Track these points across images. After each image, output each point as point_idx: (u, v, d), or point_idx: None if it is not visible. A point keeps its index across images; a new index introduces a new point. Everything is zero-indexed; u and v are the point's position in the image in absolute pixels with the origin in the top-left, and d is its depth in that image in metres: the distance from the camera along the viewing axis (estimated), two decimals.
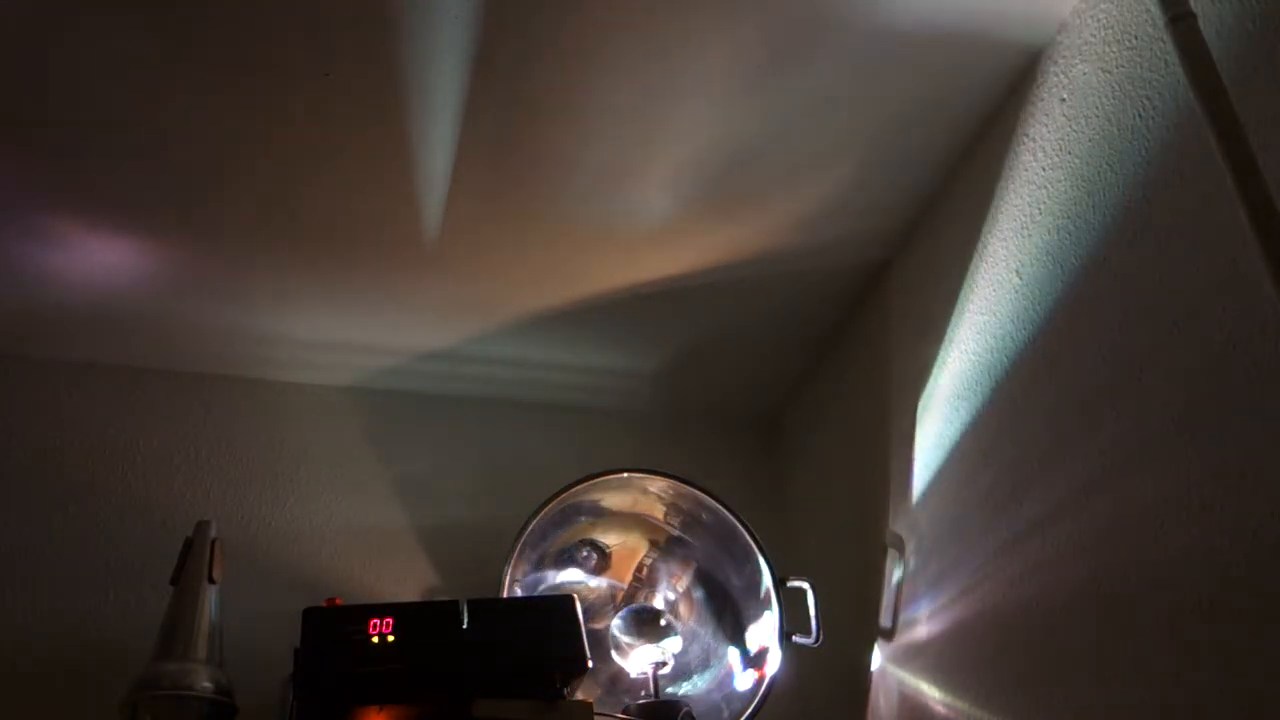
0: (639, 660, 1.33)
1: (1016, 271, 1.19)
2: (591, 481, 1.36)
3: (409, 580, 1.50)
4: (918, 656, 1.27)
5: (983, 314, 1.24)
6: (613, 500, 1.41)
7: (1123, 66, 1.05)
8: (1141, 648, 0.93)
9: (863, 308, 1.54)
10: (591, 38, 1.12)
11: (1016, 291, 1.18)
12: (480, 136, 1.23)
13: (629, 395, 1.73)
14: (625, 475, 1.38)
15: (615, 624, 1.32)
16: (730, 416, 1.80)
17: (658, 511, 1.43)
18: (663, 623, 1.31)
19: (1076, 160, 1.11)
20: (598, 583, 1.41)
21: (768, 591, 1.33)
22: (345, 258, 1.39)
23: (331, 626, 1.07)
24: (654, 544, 1.43)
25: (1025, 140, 1.19)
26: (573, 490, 1.35)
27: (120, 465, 1.47)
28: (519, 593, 1.31)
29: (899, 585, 1.34)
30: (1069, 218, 1.11)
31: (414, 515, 1.55)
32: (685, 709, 1.26)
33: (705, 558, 1.42)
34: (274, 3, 1.06)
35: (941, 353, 1.32)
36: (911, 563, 1.32)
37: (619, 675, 1.35)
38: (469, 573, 1.45)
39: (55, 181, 1.24)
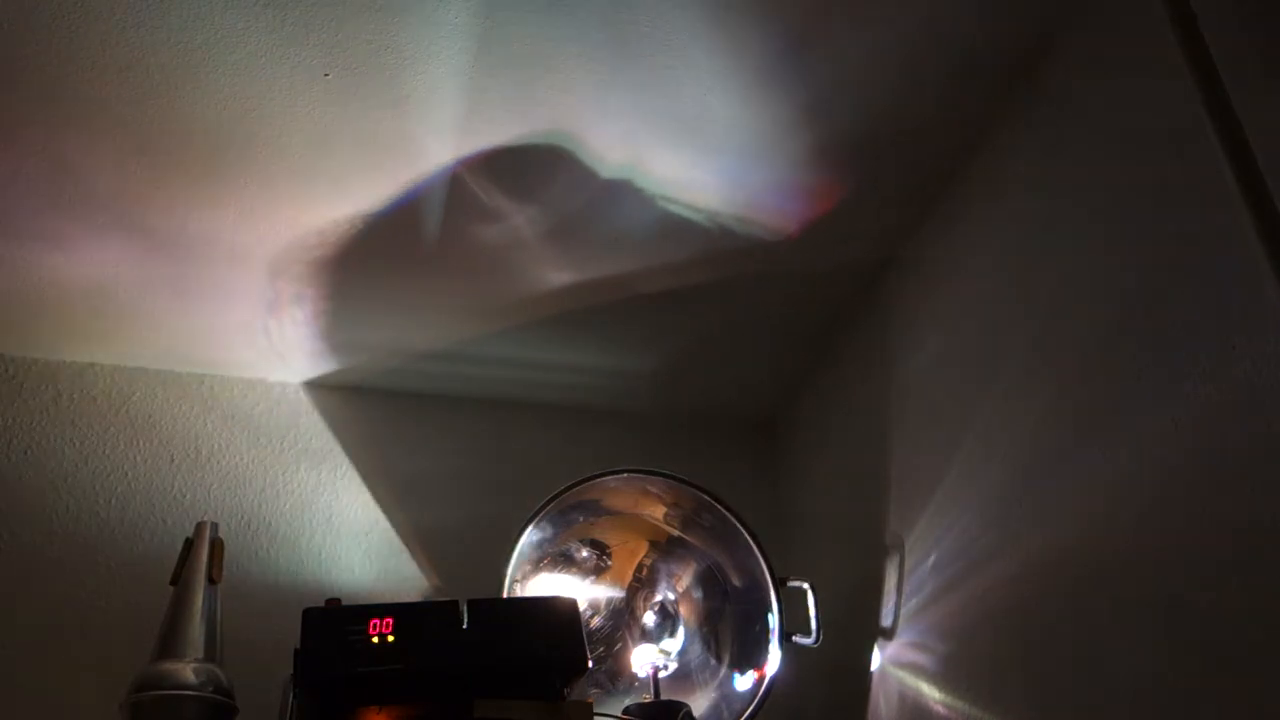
0: (639, 660, 1.33)
1: (1016, 271, 1.19)
2: (591, 481, 1.35)
3: (409, 580, 1.50)
4: (918, 656, 1.27)
5: (982, 313, 1.24)
6: (613, 500, 1.41)
7: (1123, 66, 1.05)
8: (1143, 647, 0.93)
9: (863, 308, 1.54)
10: (589, 36, 1.12)
11: (1016, 291, 1.18)
12: (479, 136, 1.23)
13: (629, 395, 1.73)
14: (625, 475, 1.37)
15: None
16: (730, 416, 1.80)
17: (658, 511, 1.43)
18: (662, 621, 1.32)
19: (1076, 160, 1.11)
20: (597, 583, 1.41)
21: (768, 591, 1.33)
22: (344, 257, 1.39)
23: (331, 626, 1.06)
24: (654, 544, 1.43)
25: (1025, 140, 1.19)
26: (573, 490, 1.35)
27: (120, 465, 1.47)
28: (519, 593, 1.31)
29: (899, 585, 1.34)
30: (1068, 218, 1.11)
31: (414, 515, 1.55)
32: (685, 709, 1.26)
33: (705, 558, 1.42)
34: (275, 4, 1.06)
35: (941, 352, 1.32)
36: (911, 563, 1.32)
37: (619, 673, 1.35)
38: (469, 573, 1.45)
39: (56, 182, 1.24)
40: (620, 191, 1.31)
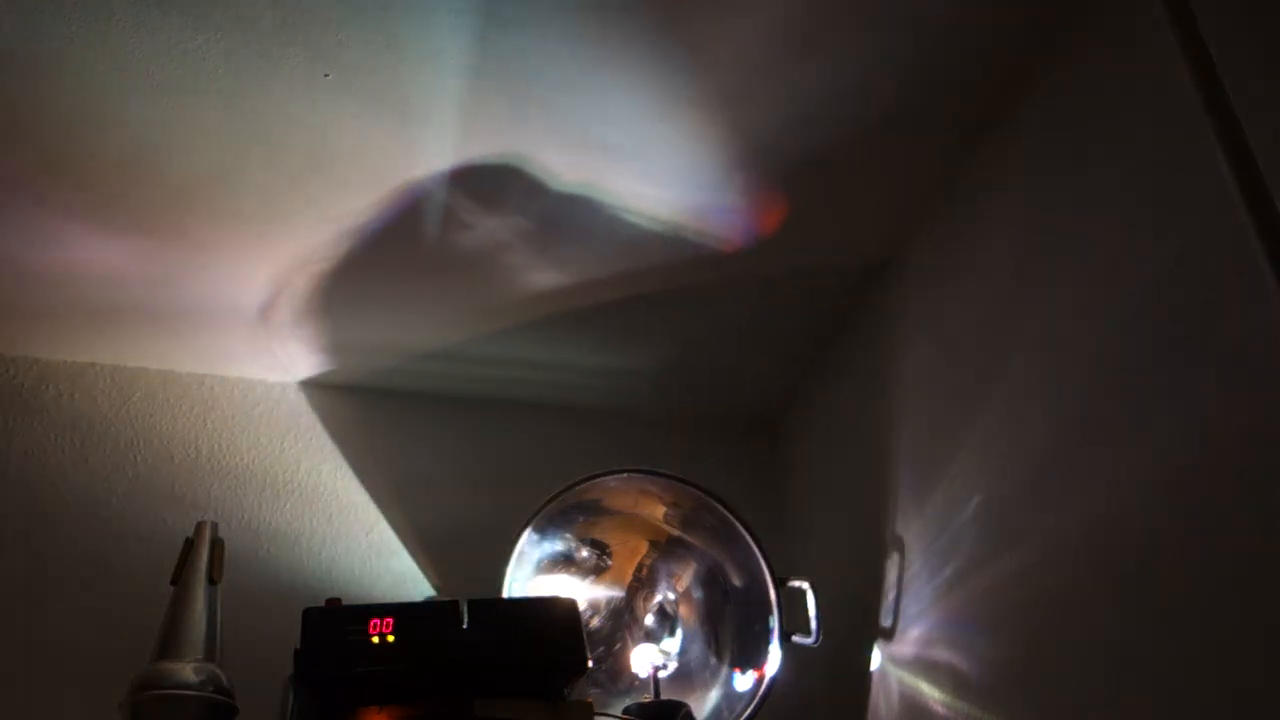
0: (639, 660, 1.33)
1: (1016, 272, 1.19)
2: (591, 481, 1.35)
3: (409, 580, 1.50)
4: (918, 656, 1.27)
5: (983, 314, 1.24)
6: (613, 500, 1.41)
7: (1122, 67, 1.05)
8: (1143, 648, 0.93)
9: (863, 308, 1.54)
10: (588, 37, 1.12)
11: (1017, 291, 1.18)
12: (480, 135, 1.23)
13: (628, 395, 1.73)
14: (625, 475, 1.37)
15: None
16: (730, 416, 1.80)
17: (658, 511, 1.43)
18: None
19: (1076, 160, 1.11)
20: (597, 583, 1.41)
21: (767, 591, 1.33)
22: (344, 257, 1.39)
23: (331, 626, 1.07)
24: (654, 544, 1.43)
25: (1024, 141, 1.19)
26: (573, 490, 1.35)
27: (120, 465, 1.47)
28: (519, 593, 1.31)
29: (899, 585, 1.34)
30: (1069, 218, 1.11)
31: (414, 515, 1.55)
32: (685, 709, 1.26)
33: (705, 558, 1.42)
34: (276, 5, 1.06)
35: (943, 353, 1.32)
36: (911, 562, 1.32)
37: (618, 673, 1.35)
38: (469, 573, 1.45)
39: (56, 182, 1.24)
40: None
